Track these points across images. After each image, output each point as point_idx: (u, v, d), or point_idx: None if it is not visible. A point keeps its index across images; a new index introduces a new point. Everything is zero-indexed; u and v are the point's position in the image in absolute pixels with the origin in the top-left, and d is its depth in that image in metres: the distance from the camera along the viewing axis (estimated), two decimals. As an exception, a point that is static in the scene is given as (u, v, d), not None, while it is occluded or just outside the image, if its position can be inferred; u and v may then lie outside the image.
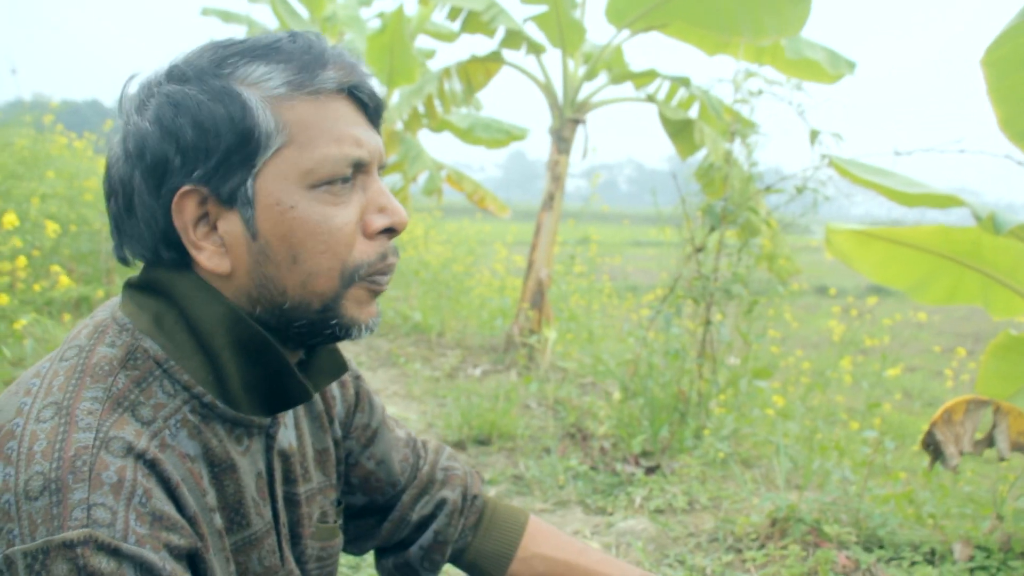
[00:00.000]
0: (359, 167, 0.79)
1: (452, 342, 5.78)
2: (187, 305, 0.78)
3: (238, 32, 6.43)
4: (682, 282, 3.60)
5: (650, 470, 3.10)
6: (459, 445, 3.47)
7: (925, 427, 2.22)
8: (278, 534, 0.87)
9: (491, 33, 5.31)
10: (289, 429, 0.91)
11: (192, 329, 0.78)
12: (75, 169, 5.65)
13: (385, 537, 1.07)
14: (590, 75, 5.36)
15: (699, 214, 3.57)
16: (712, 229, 3.49)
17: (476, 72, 5.67)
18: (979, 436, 2.22)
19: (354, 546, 1.09)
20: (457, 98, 5.73)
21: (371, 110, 0.82)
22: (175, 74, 0.77)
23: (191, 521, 0.72)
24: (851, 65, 4.98)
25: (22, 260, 3.31)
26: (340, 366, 0.89)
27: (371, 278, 0.81)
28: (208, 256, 0.77)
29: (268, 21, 10.25)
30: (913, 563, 2.21)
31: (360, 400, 1.05)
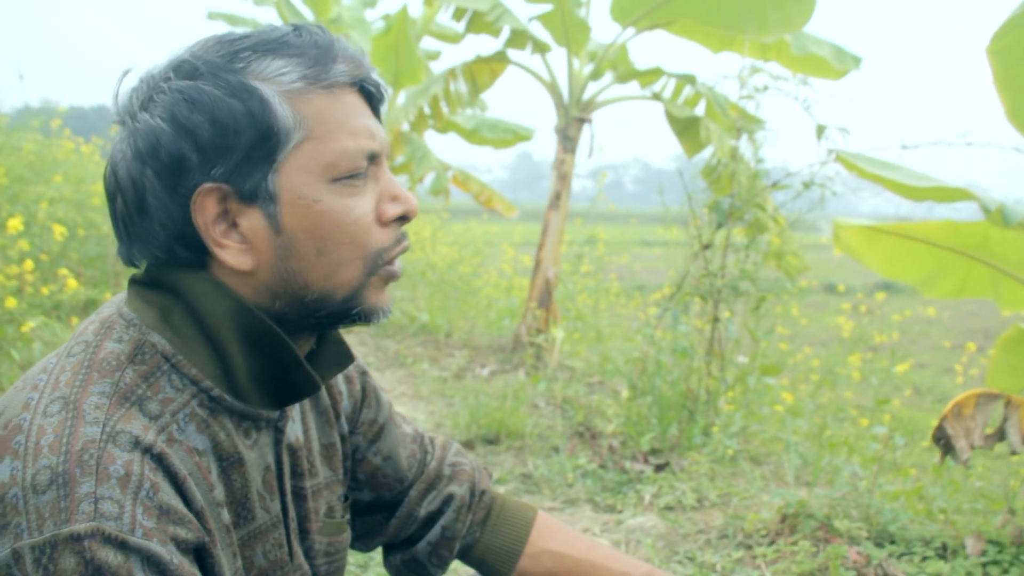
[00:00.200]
0: (372, 158, 0.80)
1: (460, 342, 5.78)
2: (194, 299, 0.78)
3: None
4: (689, 279, 3.60)
5: (659, 468, 3.09)
6: (467, 445, 3.47)
7: (935, 422, 2.21)
8: (287, 528, 0.87)
9: (496, 33, 5.31)
10: (296, 423, 0.91)
11: (199, 323, 0.78)
12: (82, 173, 5.67)
13: (393, 533, 1.07)
14: (595, 74, 5.35)
15: (706, 211, 3.56)
16: (719, 226, 3.48)
17: (481, 72, 5.67)
18: (990, 430, 2.20)
19: (362, 542, 1.09)
20: (463, 99, 5.73)
21: (376, 101, 0.83)
22: (185, 70, 0.75)
23: (198, 515, 0.72)
24: (857, 60, 4.96)
25: (30, 264, 3.33)
26: (346, 357, 0.89)
27: (389, 266, 0.82)
28: (232, 254, 0.76)
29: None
30: (925, 558, 2.19)
31: (367, 395, 1.05)
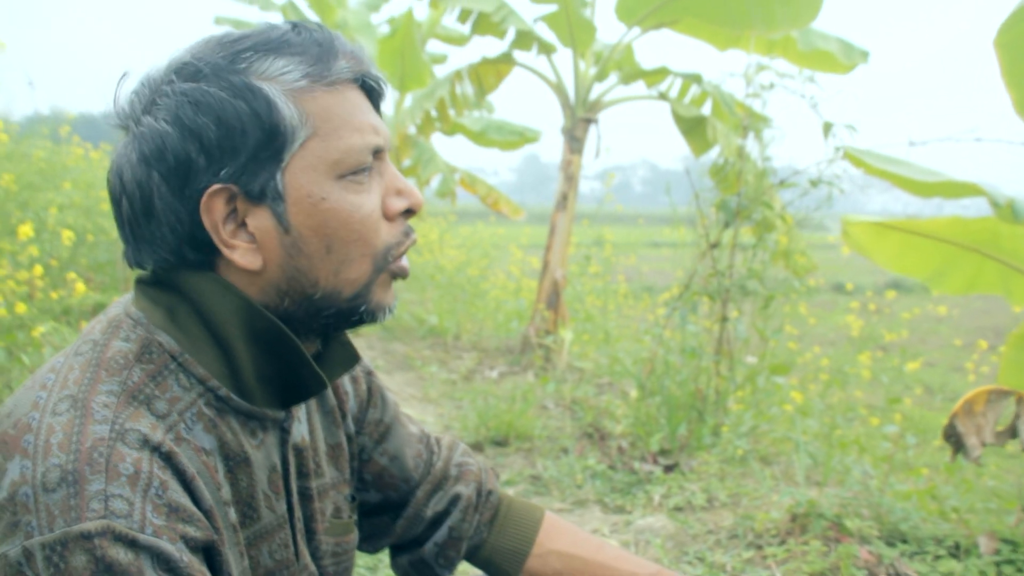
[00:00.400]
0: (376, 153, 0.80)
1: (468, 344, 5.78)
2: (200, 298, 0.78)
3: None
4: (697, 279, 3.59)
5: (668, 468, 3.08)
6: (476, 446, 3.47)
7: (946, 419, 2.20)
8: (292, 529, 0.87)
9: (501, 34, 5.32)
10: (302, 424, 0.91)
11: (206, 322, 0.78)
12: (91, 179, 5.69)
13: (399, 534, 1.07)
14: (601, 74, 5.35)
15: (713, 211, 3.55)
16: (727, 225, 3.47)
17: (487, 74, 5.68)
18: (1001, 427, 2.18)
19: (369, 544, 1.08)
20: (469, 101, 5.74)
21: (376, 96, 0.83)
22: (187, 72, 0.75)
23: (207, 514, 0.72)
24: (864, 55, 4.94)
25: (39, 269, 3.34)
26: (352, 357, 0.89)
27: (397, 262, 0.82)
28: (241, 254, 0.76)
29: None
30: (937, 557, 2.18)
31: (372, 396, 1.04)
